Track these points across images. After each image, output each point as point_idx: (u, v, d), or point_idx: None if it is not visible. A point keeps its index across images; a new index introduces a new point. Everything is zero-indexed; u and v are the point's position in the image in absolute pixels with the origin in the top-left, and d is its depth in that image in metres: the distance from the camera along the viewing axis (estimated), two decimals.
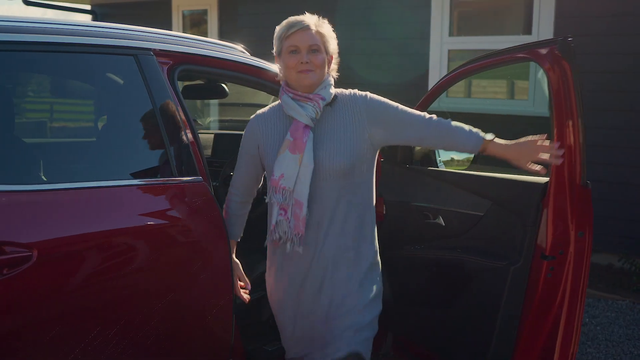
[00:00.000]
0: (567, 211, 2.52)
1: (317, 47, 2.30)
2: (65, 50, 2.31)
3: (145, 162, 2.48)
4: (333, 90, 2.37)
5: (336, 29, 2.35)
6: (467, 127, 2.41)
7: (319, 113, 2.32)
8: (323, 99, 2.32)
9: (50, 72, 2.68)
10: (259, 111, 2.45)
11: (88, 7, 10.50)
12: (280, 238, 2.35)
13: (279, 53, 2.36)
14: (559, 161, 2.36)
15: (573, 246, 2.51)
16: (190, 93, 3.78)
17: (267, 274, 2.54)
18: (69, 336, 2.03)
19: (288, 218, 2.31)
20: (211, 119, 4.90)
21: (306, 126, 2.30)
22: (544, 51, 2.60)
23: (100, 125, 2.96)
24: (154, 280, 2.26)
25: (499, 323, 2.71)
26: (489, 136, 2.37)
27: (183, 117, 2.50)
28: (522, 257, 2.66)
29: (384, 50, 7.00)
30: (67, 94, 3.31)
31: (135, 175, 2.41)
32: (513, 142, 2.36)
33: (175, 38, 2.75)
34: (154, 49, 2.55)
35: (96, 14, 10.42)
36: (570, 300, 2.51)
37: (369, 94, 2.41)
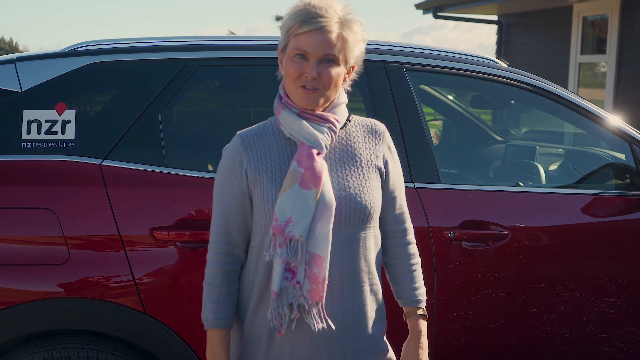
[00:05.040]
0: None
1: (333, 57, 1.71)
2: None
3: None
4: (346, 111, 1.84)
5: None
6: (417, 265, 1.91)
7: (334, 139, 1.79)
8: (338, 121, 1.78)
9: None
10: (243, 130, 1.84)
11: (495, 18, 10.81)
12: (285, 315, 1.70)
13: (283, 49, 1.77)
14: None
15: None
16: (477, 102, 4.09)
17: None
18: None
19: (299, 282, 1.69)
20: (526, 129, 4.75)
21: (319, 153, 1.74)
22: None
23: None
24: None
25: None
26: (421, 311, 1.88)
27: None
28: None
29: None
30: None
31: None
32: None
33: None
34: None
35: (502, 24, 10.66)
36: None
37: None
